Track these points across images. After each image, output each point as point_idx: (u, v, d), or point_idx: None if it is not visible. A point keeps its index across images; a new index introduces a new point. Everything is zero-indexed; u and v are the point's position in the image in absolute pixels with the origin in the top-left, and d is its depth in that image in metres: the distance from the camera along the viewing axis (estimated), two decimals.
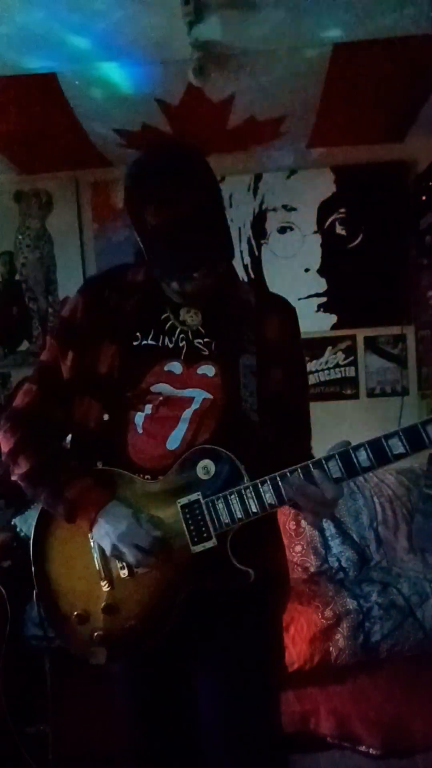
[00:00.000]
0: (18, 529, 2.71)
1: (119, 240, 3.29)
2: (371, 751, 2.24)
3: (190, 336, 1.38)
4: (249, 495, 1.25)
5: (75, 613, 1.35)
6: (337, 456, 1.22)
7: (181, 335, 1.38)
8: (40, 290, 3.36)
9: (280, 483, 1.24)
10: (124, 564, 1.32)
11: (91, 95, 2.56)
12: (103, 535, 1.30)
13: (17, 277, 3.36)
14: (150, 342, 1.37)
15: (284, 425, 1.39)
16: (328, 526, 2.78)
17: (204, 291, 1.33)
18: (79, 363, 1.39)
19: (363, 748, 2.25)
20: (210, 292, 1.35)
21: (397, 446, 1.19)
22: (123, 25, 2.09)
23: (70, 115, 2.68)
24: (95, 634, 1.33)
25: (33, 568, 1.40)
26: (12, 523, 2.73)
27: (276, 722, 1.40)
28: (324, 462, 1.23)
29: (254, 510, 1.25)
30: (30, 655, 2.34)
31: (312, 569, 2.68)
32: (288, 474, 1.24)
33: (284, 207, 3.27)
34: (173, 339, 1.38)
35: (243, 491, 1.26)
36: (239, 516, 1.25)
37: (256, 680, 1.33)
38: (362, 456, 1.21)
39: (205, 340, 1.38)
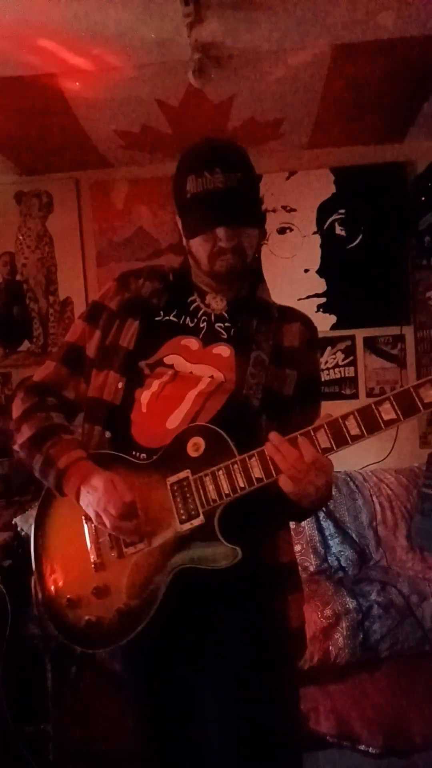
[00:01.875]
0: (19, 529, 2.72)
1: (119, 240, 3.30)
2: (371, 749, 2.24)
3: (212, 319, 1.43)
4: (236, 470, 1.23)
5: (67, 597, 1.35)
6: (325, 425, 1.19)
7: (204, 317, 1.43)
8: (41, 291, 3.37)
9: (267, 456, 1.21)
10: (114, 544, 1.33)
11: (91, 96, 2.56)
12: (86, 505, 1.32)
13: (18, 277, 3.37)
14: (172, 318, 1.43)
15: (288, 426, 1.38)
16: (328, 526, 2.78)
17: (233, 270, 1.36)
18: (104, 340, 1.45)
19: (362, 747, 2.25)
20: (237, 273, 1.38)
21: (388, 411, 1.15)
22: (123, 25, 2.09)
23: (70, 116, 2.68)
24: (85, 618, 1.33)
25: (32, 557, 1.42)
26: (13, 522, 2.74)
27: (290, 720, 1.38)
28: (312, 432, 1.20)
29: (241, 485, 1.23)
30: (30, 655, 2.35)
31: (311, 568, 2.69)
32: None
33: (284, 207, 3.27)
34: (195, 319, 1.43)
35: (231, 466, 1.24)
36: (226, 492, 1.24)
37: (264, 676, 1.33)
38: (351, 423, 1.17)
39: (226, 325, 1.42)
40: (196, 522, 1.26)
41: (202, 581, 1.28)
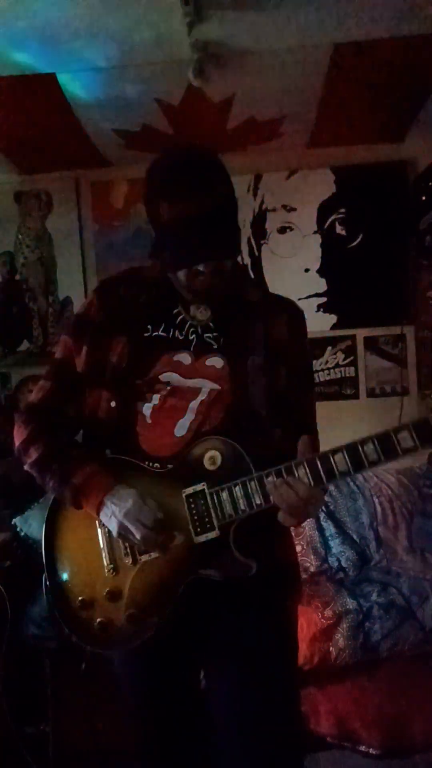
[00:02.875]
0: (18, 529, 2.71)
1: (119, 240, 3.30)
2: (371, 750, 2.24)
3: (200, 330, 1.42)
4: (253, 487, 1.26)
5: (80, 598, 1.37)
6: (344, 449, 1.22)
7: (191, 329, 1.42)
8: (40, 290, 3.36)
9: (285, 475, 1.24)
10: (128, 551, 1.34)
11: (91, 95, 2.55)
12: (109, 516, 1.32)
13: (17, 277, 3.36)
14: (161, 333, 1.42)
15: (291, 424, 1.40)
16: (328, 526, 2.78)
17: (212, 289, 1.36)
18: (92, 356, 1.43)
19: (363, 748, 2.25)
20: (218, 291, 1.37)
21: (406, 440, 1.18)
22: (123, 24, 2.09)
23: (70, 115, 2.68)
24: (97, 620, 1.35)
25: (43, 556, 1.43)
26: (12, 523, 2.73)
27: (294, 717, 1.41)
28: (330, 455, 1.22)
29: (258, 502, 1.25)
30: (30, 655, 2.35)
31: (312, 569, 2.68)
32: (293, 466, 1.24)
33: (284, 207, 3.27)
34: (183, 332, 1.42)
35: (248, 483, 1.26)
36: (243, 508, 1.26)
37: (269, 675, 1.34)
38: (369, 448, 1.20)
39: (215, 334, 1.41)
40: (211, 535, 1.29)
41: (208, 583, 1.29)
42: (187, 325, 1.42)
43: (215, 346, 1.40)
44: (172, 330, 1.42)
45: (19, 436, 1.47)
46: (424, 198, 2.94)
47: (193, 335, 1.42)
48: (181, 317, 1.43)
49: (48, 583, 1.43)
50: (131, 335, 1.41)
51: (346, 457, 1.20)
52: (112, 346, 1.42)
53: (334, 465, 1.21)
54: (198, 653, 1.44)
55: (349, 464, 1.20)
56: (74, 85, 2.48)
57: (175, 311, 1.44)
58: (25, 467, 1.46)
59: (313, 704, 2.27)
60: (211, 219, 1.27)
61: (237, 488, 1.27)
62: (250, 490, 1.26)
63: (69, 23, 2.06)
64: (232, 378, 1.37)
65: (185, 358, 1.40)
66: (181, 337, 1.41)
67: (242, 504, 1.26)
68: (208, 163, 1.35)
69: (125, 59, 2.32)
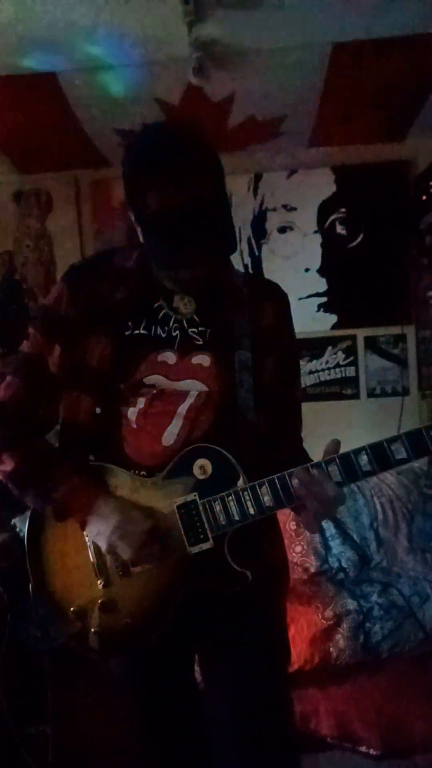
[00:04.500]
0: (18, 530, 2.70)
1: (119, 240, 3.28)
2: (371, 751, 2.23)
3: (185, 324, 1.34)
4: (247, 497, 1.23)
5: (72, 609, 1.33)
6: (337, 459, 1.20)
7: (175, 324, 1.34)
8: (40, 290, 3.35)
9: (278, 485, 1.22)
10: (119, 563, 1.30)
11: (91, 95, 2.55)
12: (95, 533, 1.28)
13: (16, 276, 3.36)
14: (142, 332, 1.32)
15: (276, 415, 1.36)
16: (328, 527, 2.78)
17: (198, 280, 1.30)
18: (66, 356, 1.34)
19: (363, 749, 2.24)
20: (204, 280, 1.32)
21: (399, 451, 1.17)
22: (123, 24, 2.08)
23: (70, 115, 2.67)
24: (91, 630, 1.31)
25: (28, 563, 1.39)
26: (12, 523, 2.73)
27: (288, 719, 1.39)
28: (324, 465, 1.21)
29: (252, 512, 1.23)
30: (30, 656, 2.34)
31: (312, 570, 2.68)
32: (287, 476, 1.22)
33: (284, 207, 3.26)
34: (166, 328, 1.33)
35: (241, 493, 1.23)
36: (236, 518, 1.23)
37: (263, 678, 1.33)
38: (363, 460, 1.18)
39: (200, 328, 1.34)
40: (205, 546, 1.25)
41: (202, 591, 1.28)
42: (171, 321, 1.34)
43: (200, 342, 1.33)
44: (154, 327, 1.33)
45: None
46: (424, 198, 2.93)
47: (177, 331, 1.33)
48: (163, 312, 1.34)
49: (35, 592, 1.38)
50: (111, 335, 1.31)
51: (371, 457, 1.18)
52: (90, 346, 1.32)
53: (357, 465, 1.19)
54: (193, 654, 1.43)
55: (375, 464, 1.18)
56: (74, 85, 2.47)
57: (156, 305, 1.34)
58: None
59: (314, 705, 2.27)
60: (206, 212, 1.19)
61: (230, 498, 1.23)
62: (243, 499, 1.23)
63: (69, 23, 2.06)
64: (219, 376, 1.31)
65: (170, 357, 1.32)
66: (164, 335, 1.32)
67: (236, 515, 1.23)
68: (198, 144, 1.24)
69: (125, 59, 2.32)
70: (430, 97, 2.72)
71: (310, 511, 1.22)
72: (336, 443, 1.22)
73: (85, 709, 2.30)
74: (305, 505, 1.22)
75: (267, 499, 1.23)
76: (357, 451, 1.19)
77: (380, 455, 1.18)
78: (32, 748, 2.24)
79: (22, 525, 2.69)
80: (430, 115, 2.89)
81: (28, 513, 2.72)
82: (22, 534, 2.66)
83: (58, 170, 3.28)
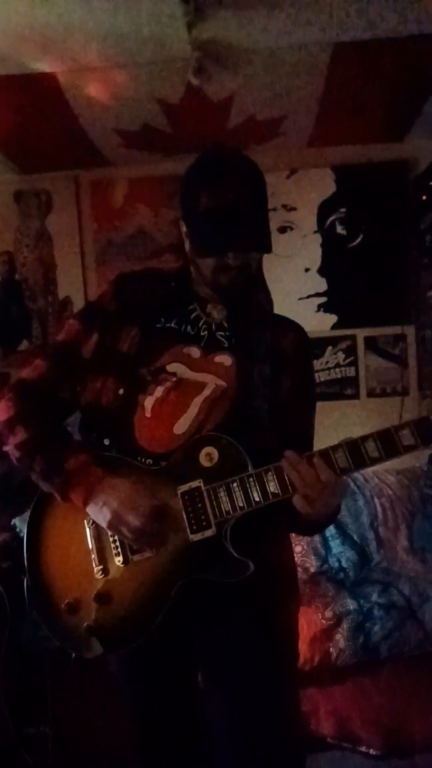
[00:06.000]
0: (18, 530, 2.71)
1: (119, 240, 3.29)
2: (371, 751, 2.23)
3: (213, 327, 1.42)
4: (252, 483, 1.24)
5: (66, 601, 1.32)
6: (344, 445, 1.21)
7: (204, 326, 1.42)
8: (40, 290, 3.36)
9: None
10: (120, 550, 1.30)
11: (91, 95, 2.55)
12: (100, 506, 1.28)
13: (17, 276, 3.36)
14: (173, 325, 1.42)
15: (287, 437, 1.37)
16: (328, 527, 2.78)
17: (236, 286, 1.36)
18: (102, 343, 1.42)
19: (363, 749, 2.24)
20: (240, 288, 1.37)
21: (407, 437, 1.18)
22: (123, 23, 2.08)
23: (70, 115, 2.67)
24: (85, 624, 1.30)
25: (25, 558, 1.39)
26: (12, 523, 2.73)
27: (292, 721, 1.39)
28: (330, 452, 1.22)
29: (257, 499, 1.23)
30: (30, 656, 2.34)
31: (312, 569, 2.68)
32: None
33: (284, 207, 3.26)
34: (196, 328, 1.42)
35: (246, 479, 1.24)
36: (240, 505, 1.24)
37: (263, 681, 1.33)
38: (371, 446, 1.20)
39: (227, 333, 1.41)
40: (208, 533, 1.25)
41: (205, 584, 1.28)
42: (201, 322, 1.43)
43: (226, 345, 1.40)
44: (184, 324, 1.42)
45: (4, 412, 1.40)
46: (424, 198, 2.93)
47: (205, 332, 1.42)
48: (195, 314, 1.44)
49: (29, 584, 1.38)
50: (143, 325, 1.41)
51: (379, 444, 1.20)
52: (123, 334, 1.41)
53: (365, 451, 1.21)
54: (194, 654, 1.43)
55: (383, 451, 1.20)
56: (74, 85, 2.47)
57: (190, 307, 1.44)
58: (6, 448, 1.40)
59: (314, 705, 2.27)
60: (248, 209, 1.30)
61: (235, 485, 1.24)
62: (248, 486, 1.24)
63: (69, 23, 2.06)
64: (238, 377, 1.36)
65: (194, 351, 1.40)
66: (192, 332, 1.42)
67: (240, 501, 1.24)
68: (246, 159, 1.39)
69: (125, 59, 2.32)
70: (430, 97, 2.72)
71: (302, 494, 1.22)
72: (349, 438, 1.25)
73: (85, 709, 2.30)
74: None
75: (272, 486, 1.23)
76: (364, 438, 1.21)
77: (388, 441, 1.19)
78: (32, 748, 2.25)
79: (22, 525, 2.70)
80: (430, 115, 2.89)
81: (28, 512, 2.73)
82: (22, 534, 2.66)
83: (58, 170, 3.28)
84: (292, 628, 1.45)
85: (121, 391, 1.38)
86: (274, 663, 1.36)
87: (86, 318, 1.48)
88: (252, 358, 1.38)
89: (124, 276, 1.54)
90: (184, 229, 1.40)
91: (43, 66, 2.32)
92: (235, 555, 1.24)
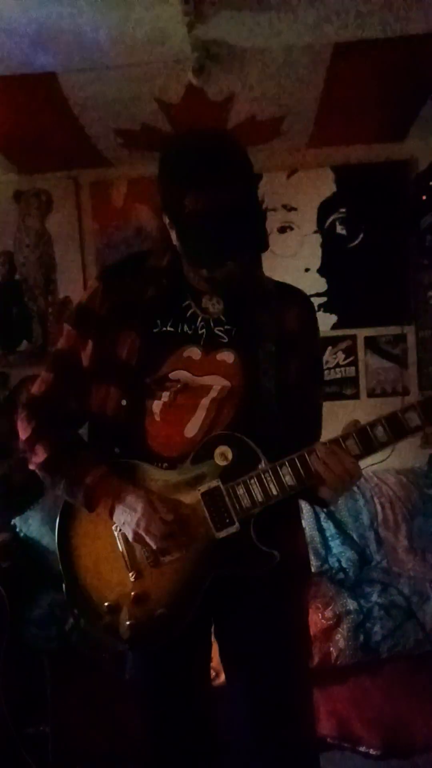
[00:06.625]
0: (18, 530, 2.71)
1: (119, 240, 3.29)
2: (371, 751, 2.24)
3: (211, 323, 1.39)
4: (268, 478, 1.28)
5: (106, 604, 1.35)
6: (354, 434, 1.26)
7: (202, 323, 1.39)
8: (40, 290, 3.35)
9: (298, 464, 1.27)
10: (149, 554, 1.33)
11: (91, 95, 2.55)
12: (122, 522, 1.32)
13: (17, 276, 3.36)
14: (169, 329, 1.38)
15: (296, 417, 1.39)
16: (328, 527, 2.78)
17: (232, 279, 1.34)
18: (98, 350, 1.40)
19: (363, 749, 2.25)
20: (237, 280, 1.35)
21: (413, 419, 1.24)
22: (123, 23, 2.08)
23: (70, 115, 2.67)
24: (126, 623, 1.34)
25: (60, 563, 1.41)
26: (12, 523, 2.73)
27: (306, 714, 1.42)
28: (341, 440, 1.27)
29: (274, 492, 1.27)
30: (30, 655, 2.35)
31: (312, 570, 2.68)
32: (306, 455, 1.27)
33: (284, 207, 3.26)
34: (193, 326, 1.39)
35: (262, 474, 1.28)
36: (260, 499, 1.27)
37: (283, 669, 1.36)
38: (379, 431, 1.25)
39: (226, 327, 1.39)
40: (232, 529, 1.29)
41: (225, 578, 1.30)
42: (198, 319, 1.39)
43: (226, 340, 1.38)
44: (181, 324, 1.38)
45: (23, 431, 1.43)
46: (424, 197, 2.93)
47: (204, 329, 1.38)
48: (191, 311, 1.39)
49: (69, 593, 1.40)
50: (140, 331, 1.37)
51: (387, 427, 1.25)
52: (119, 341, 1.38)
53: (374, 436, 1.26)
54: (209, 647, 1.46)
55: (391, 434, 1.25)
56: (74, 85, 2.47)
57: (184, 304, 1.40)
58: (31, 466, 1.43)
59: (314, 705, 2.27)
60: (241, 210, 1.24)
61: (252, 481, 1.28)
62: (265, 481, 1.28)
63: (69, 23, 2.06)
64: (243, 373, 1.36)
65: (195, 353, 1.37)
66: (190, 332, 1.38)
67: (259, 496, 1.27)
68: (230, 145, 1.30)
69: (125, 59, 2.32)
70: (430, 97, 2.72)
71: (329, 485, 1.27)
72: (355, 422, 1.29)
73: (85, 709, 2.30)
74: (324, 481, 1.27)
75: (288, 479, 1.27)
76: (372, 424, 1.25)
77: (395, 424, 1.25)
78: (32, 748, 2.25)
79: (22, 525, 2.70)
80: (430, 115, 2.89)
81: (28, 512, 2.73)
82: (22, 534, 2.67)
83: (58, 170, 3.28)
84: (304, 618, 1.49)
85: (123, 402, 1.36)
86: (293, 651, 1.39)
87: (79, 323, 1.44)
88: (255, 344, 1.37)
89: (109, 271, 1.49)
90: (167, 220, 1.34)
91: (43, 66, 2.32)
92: (262, 547, 1.28)
